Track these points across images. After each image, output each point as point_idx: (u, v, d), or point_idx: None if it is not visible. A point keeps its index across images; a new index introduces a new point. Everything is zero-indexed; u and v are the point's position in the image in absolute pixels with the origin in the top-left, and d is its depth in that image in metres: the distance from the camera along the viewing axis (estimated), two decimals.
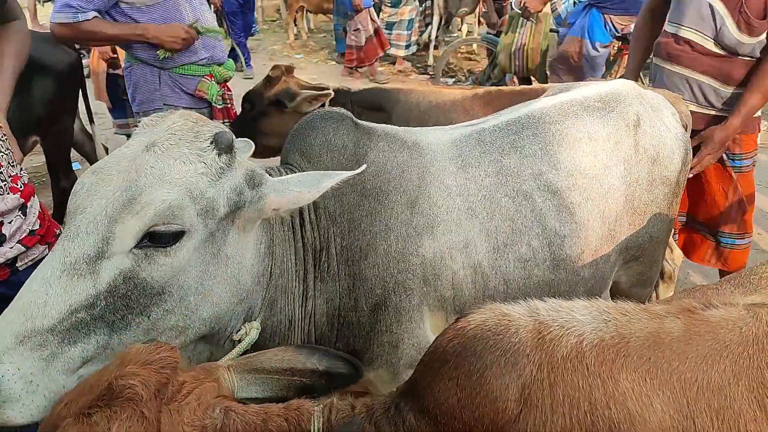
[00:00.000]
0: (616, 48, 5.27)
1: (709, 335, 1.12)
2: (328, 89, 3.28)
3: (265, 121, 3.32)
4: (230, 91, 3.37)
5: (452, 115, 3.20)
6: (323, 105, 3.26)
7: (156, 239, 1.32)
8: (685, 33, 2.62)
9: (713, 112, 2.68)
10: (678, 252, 3.15)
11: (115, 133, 5.68)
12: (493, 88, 3.57)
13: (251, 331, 1.55)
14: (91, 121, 4.68)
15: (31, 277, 1.29)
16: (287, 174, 1.73)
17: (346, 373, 1.35)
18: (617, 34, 5.08)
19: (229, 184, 1.44)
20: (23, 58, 2.15)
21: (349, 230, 1.77)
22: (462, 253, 1.85)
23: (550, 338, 1.09)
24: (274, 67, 3.39)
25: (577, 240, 1.96)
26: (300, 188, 1.50)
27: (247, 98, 3.41)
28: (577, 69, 5.13)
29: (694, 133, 2.59)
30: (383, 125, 2.02)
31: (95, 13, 2.87)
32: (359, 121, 1.94)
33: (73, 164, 4.62)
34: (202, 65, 3.15)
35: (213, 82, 3.16)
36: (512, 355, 1.08)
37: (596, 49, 5.04)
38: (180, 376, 1.15)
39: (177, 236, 1.35)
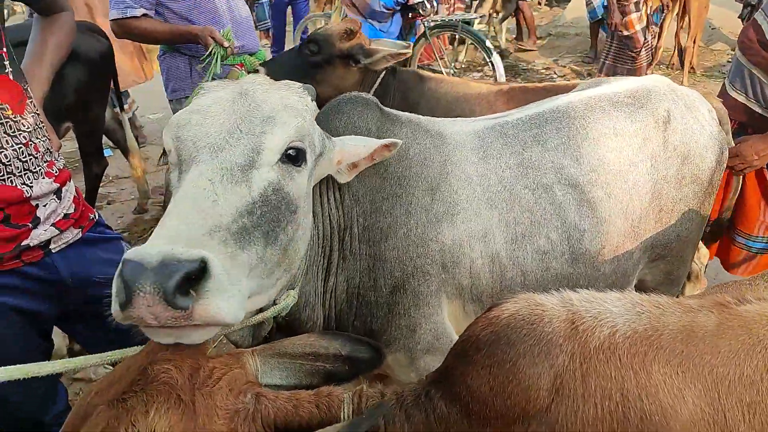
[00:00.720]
0: None
1: (743, 330, 1.11)
2: (408, 47, 3.21)
3: (328, 70, 3.18)
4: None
5: (476, 107, 3.23)
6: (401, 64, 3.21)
7: (290, 158, 1.40)
8: (761, 21, 2.59)
9: (758, 110, 2.66)
10: (704, 251, 3.11)
11: None
12: (518, 84, 3.58)
13: (288, 297, 1.57)
14: (122, 109, 4.77)
15: (187, 182, 1.27)
16: None
17: (368, 358, 1.35)
18: None
19: (318, 129, 1.56)
20: (65, 51, 2.17)
21: (371, 211, 1.80)
22: (480, 242, 1.87)
23: (583, 329, 1.10)
24: (352, 22, 3.26)
25: (597, 235, 1.96)
26: (356, 143, 1.62)
27: (315, 40, 3.18)
28: None
29: (740, 126, 2.59)
30: (408, 113, 2.04)
31: (144, 11, 2.94)
32: (384, 107, 1.97)
33: (104, 150, 4.72)
34: (234, 54, 3.18)
35: (243, 71, 3.18)
36: (545, 345, 1.08)
37: None
38: (210, 362, 1.16)
39: (301, 158, 1.43)
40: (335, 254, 1.80)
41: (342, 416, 1.16)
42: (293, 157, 1.40)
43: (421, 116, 2.06)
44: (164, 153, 1.52)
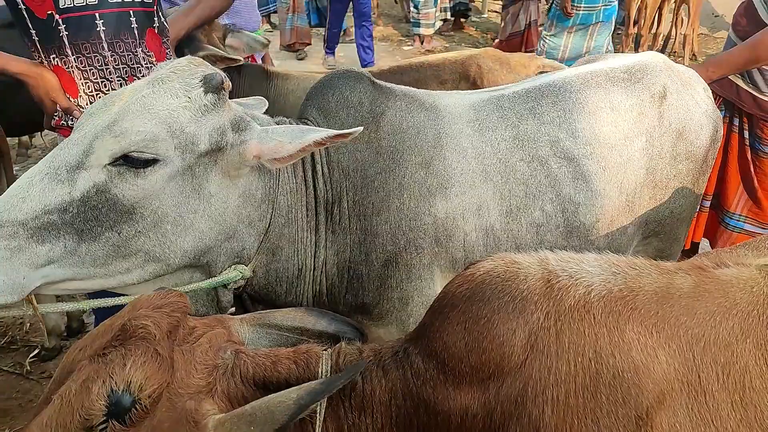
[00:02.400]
0: None
1: (719, 293, 1.12)
2: (239, 60, 2.97)
3: None
4: (254, 62, 3.35)
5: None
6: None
7: (129, 161, 1.42)
8: (757, 2, 2.60)
9: (743, 86, 2.69)
10: None
11: None
12: (374, 67, 3.51)
13: (232, 272, 1.62)
14: None
15: (20, 177, 1.42)
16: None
17: (352, 339, 1.37)
18: None
19: (213, 123, 1.50)
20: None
21: (362, 185, 1.80)
22: (474, 215, 1.87)
23: (558, 287, 1.10)
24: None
25: (592, 208, 1.96)
26: (282, 138, 1.53)
27: None
28: None
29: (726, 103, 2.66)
30: (403, 86, 2.03)
31: None
32: (379, 81, 1.96)
33: None
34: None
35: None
36: (520, 302, 1.09)
37: None
38: (190, 321, 1.18)
39: (149, 162, 1.43)
40: (322, 228, 1.81)
41: (320, 373, 1.17)
42: (133, 160, 1.42)
43: (417, 89, 2.05)
44: None
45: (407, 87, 2.04)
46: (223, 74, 1.55)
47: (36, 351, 3.55)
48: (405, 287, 1.84)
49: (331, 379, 1.11)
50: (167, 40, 2.20)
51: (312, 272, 1.83)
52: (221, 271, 1.63)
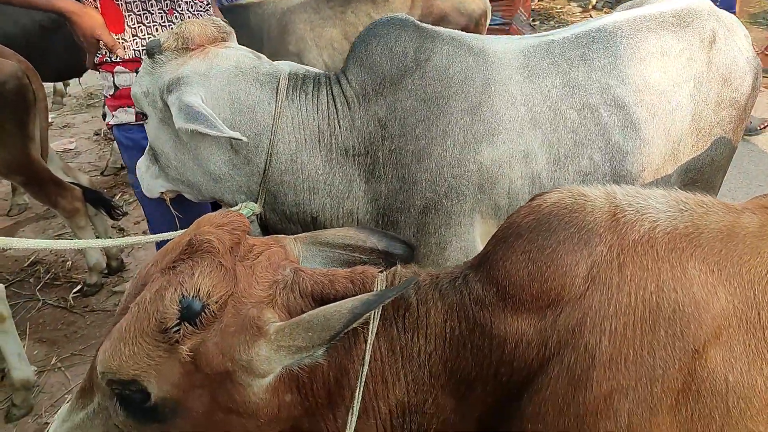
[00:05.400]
0: None
1: None
2: None
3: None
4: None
5: (303, 15, 3.28)
6: None
7: (139, 114, 1.91)
8: None
9: None
10: None
11: None
12: None
13: (244, 209, 1.78)
14: None
15: None
16: (342, 82, 1.87)
17: (402, 254, 1.41)
18: None
19: (159, 84, 1.78)
20: None
21: (400, 134, 1.79)
22: (521, 162, 1.85)
23: (624, 221, 1.10)
24: None
25: (639, 157, 1.94)
26: (177, 112, 1.70)
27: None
28: None
29: None
30: (452, 30, 1.99)
31: None
32: (424, 25, 1.93)
33: None
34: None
35: None
36: (585, 233, 1.09)
37: None
38: (250, 240, 1.23)
39: (144, 115, 1.87)
40: (354, 179, 1.85)
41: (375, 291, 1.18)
42: (137, 113, 1.95)
43: (464, 33, 2.01)
44: None
45: (456, 31, 2.01)
46: (159, 40, 1.79)
47: (79, 287, 3.70)
48: (443, 233, 1.85)
49: (384, 291, 1.13)
50: None
51: (337, 220, 1.88)
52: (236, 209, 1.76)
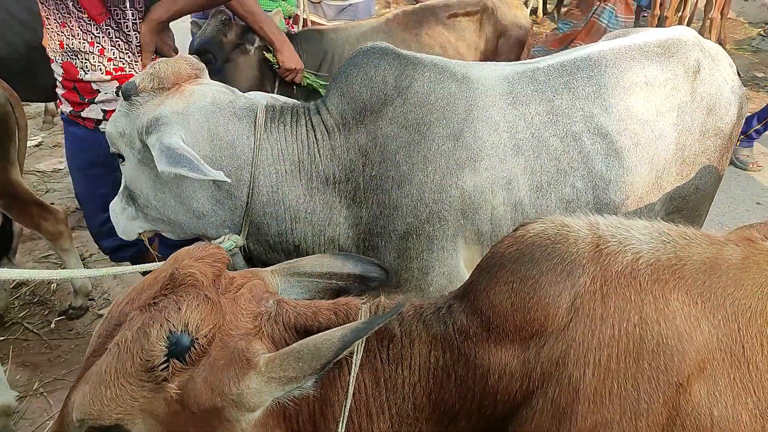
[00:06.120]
0: None
1: None
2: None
3: (232, 68, 3.16)
4: (293, 28, 3.43)
5: (376, 39, 3.30)
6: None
7: (116, 156, 1.90)
8: None
9: None
10: None
11: None
12: (400, 9, 3.77)
13: (227, 241, 1.83)
14: None
15: None
16: (322, 112, 1.89)
17: (378, 277, 1.42)
18: None
19: (136, 126, 1.78)
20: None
21: (381, 161, 1.80)
22: (504, 189, 1.86)
23: (606, 252, 1.10)
24: (219, 12, 3.18)
25: (622, 185, 1.95)
26: (158, 154, 1.69)
27: (206, 51, 3.13)
28: None
29: None
30: (435, 57, 2.02)
31: None
32: (406, 52, 1.94)
33: None
34: (272, 0, 3.21)
35: (280, 17, 3.20)
36: (568, 265, 1.09)
37: None
38: (230, 273, 1.21)
39: (121, 156, 1.87)
40: (334, 206, 1.86)
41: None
42: (113, 154, 1.91)
43: (449, 60, 2.03)
44: None
45: (438, 57, 2.03)
46: (134, 82, 1.79)
47: (63, 310, 3.63)
48: (426, 257, 1.85)
49: (373, 318, 1.13)
50: (114, 7, 2.29)
51: (319, 247, 1.88)
52: (218, 241, 1.80)
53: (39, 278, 1.65)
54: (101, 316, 3.61)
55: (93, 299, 3.79)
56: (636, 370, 1.05)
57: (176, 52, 2.50)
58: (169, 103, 1.75)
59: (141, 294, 1.12)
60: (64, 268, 3.61)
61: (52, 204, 4.42)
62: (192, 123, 1.75)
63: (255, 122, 1.83)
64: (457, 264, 1.89)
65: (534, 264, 1.10)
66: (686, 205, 2.16)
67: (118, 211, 1.97)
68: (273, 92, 3.20)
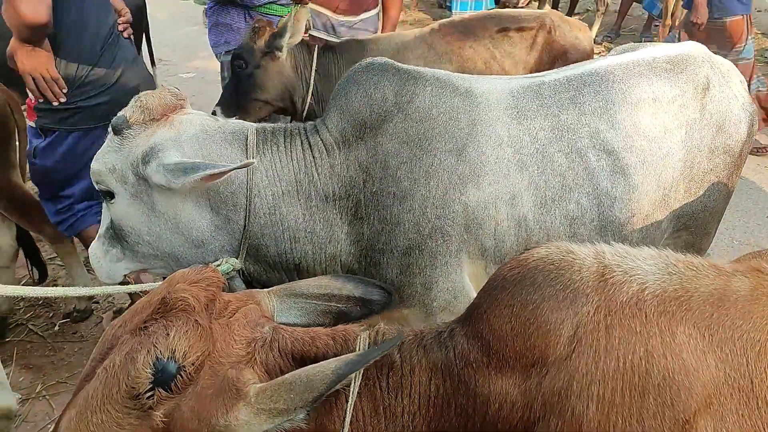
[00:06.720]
0: None
1: None
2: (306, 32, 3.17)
3: (262, 74, 3.15)
4: (306, 36, 3.38)
5: (418, 51, 3.28)
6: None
7: (103, 193, 1.83)
8: None
9: None
10: None
11: None
12: (447, 19, 3.64)
13: (224, 264, 1.80)
14: (153, 64, 4.72)
15: None
16: (321, 130, 1.87)
17: (380, 299, 1.38)
18: None
19: (130, 159, 1.75)
20: None
21: (382, 177, 1.80)
22: (507, 204, 1.84)
23: (612, 282, 1.08)
24: (257, 21, 3.20)
25: (628, 203, 1.93)
26: (166, 176, 1.67)
27: (238, 57, 3.17)
28: None
29: None
30: (437, 70, 2.00)
31: None
32: (407, 67, 1.93)
33: None
34: (283, 5, 3.22)
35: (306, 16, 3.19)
36: (571, 292, 1.07)
37: None
38: (225, 296, 1.19)
39: (111, 194, 1.81)
40: (335, 224, 1.84)
41: (358, 350, 1.16)
42: (101, 191, 1.84)
43: (452, 73, 2.01)
44: None
45: (442, 71, 2.01)
46: (124, 116, 1.77)
47: (68, 312, 3.63)
48: (429, 273, 1.84)
49: (368, 351, 1.10)
50: None
51: (320, 264, 1.87)
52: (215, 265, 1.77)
53: (30, 296, 1.64)
54: (104, 319, 3.62)
55: (97, 302, 3.80)
56: (641, 405, 1.03)
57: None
58: (161, 132, 1.75)
59: (134, 317, 1.11)
60: (66, 272, 3.63)
61: None
62: (186, 149, 1.75)
63: (247, 145, 1.82)
64: (461, 279, 1.88)
65: (536, 289, 1.08)
66: (694, 222, 2.13)
67: (99, 254, 1.92)
68: (302, 99, 3.20)
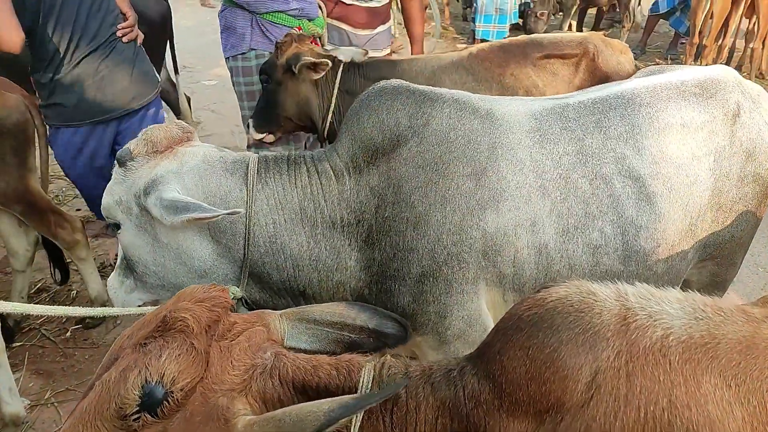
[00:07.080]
0: None
1: None
2: (329, 60, 3.05)
3: (282, 90, 3.13)
4: (318, 45, 3.38)
5: (455, 75, 3.19)
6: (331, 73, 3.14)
7: (112, 225, 1.87)
8: None
9: None
10: None
11: None
12: (486, 43, 3.56)
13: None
14: (176, 71, 4.75)
15: None
16: (331, 157, 1.85)
17: (394, 334, 1.33)
18: None
19: (133, 191, 1.77)
20: None
21: (394, 202, 1.75)
22: (528, 231, 1.78)
23: (635, 326, 1.02)
24: (286, 35, 3.17)
25: (654, 232, 1.86)
26: (161, 211, 1.68)
27: (263, 71, 3.18)
28: None
29: None
30: (456, 91, 1.95)
31: None
32: (423, 88, 1.88)
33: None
34: (293, 16, 3.19)
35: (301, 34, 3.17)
36: (591, 336, 1.01)
37: None
38: (231, 317, 1.16)
39: (117, 225, 1.84)
40: (342, 251, 1.81)
41: (361, 383, 1.12)
42: (111, 224, 1.87)
43: (472, 95, 1.96)
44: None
45: (461, 92, 1.96)
46: (128, 149, 1.80)
47: (80, 318, 3.66)
48: (443, 301, 1.79)
49: (365, 395, 1.06)
50: None
51: (327, 291, 1.84)
52: None
53: (32, 312, 1.68)
54: (118, 325, 3.61)
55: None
56: None
57: None
58: (164, 164, 1.76)
59: (140, 330, 1.10)
60: (81, 276, 3.64)
61: (78, 210, 4.48)
62: (187, 181, 1.75)
63: (247, 174, 1.81)
64: (477, 307, 1.82)
65: (553, 331, 1.03)
66: (720, 253, 2.05)
67: (116, 285, 1.96)
68: (322, 118, 3.17)
